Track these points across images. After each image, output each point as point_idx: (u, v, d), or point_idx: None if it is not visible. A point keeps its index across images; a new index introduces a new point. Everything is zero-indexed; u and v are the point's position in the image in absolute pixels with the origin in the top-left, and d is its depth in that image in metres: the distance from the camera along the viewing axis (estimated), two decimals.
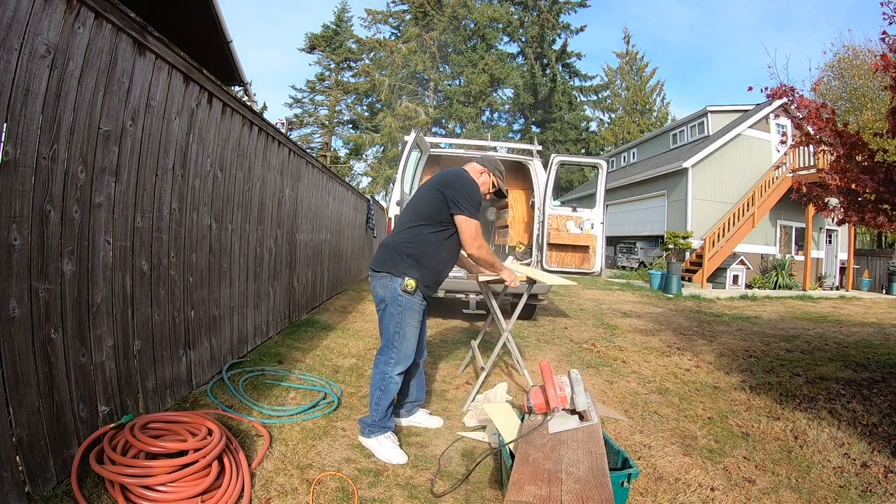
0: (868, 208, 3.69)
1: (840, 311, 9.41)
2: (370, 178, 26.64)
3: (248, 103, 3.71)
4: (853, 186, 3.75)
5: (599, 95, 30.31)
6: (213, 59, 6.36)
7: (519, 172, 6.51)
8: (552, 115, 27.47)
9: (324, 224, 6.36)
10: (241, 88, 7.87)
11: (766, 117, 14.87)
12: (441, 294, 5.22)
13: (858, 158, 3.63)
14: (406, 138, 5.82)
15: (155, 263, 2.45)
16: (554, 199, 6.02)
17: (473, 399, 3.09)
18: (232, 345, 3.49)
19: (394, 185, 5.41)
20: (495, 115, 28.16)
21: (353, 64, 29.52)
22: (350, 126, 30.16)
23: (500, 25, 26.55)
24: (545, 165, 5.86)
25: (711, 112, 16.20)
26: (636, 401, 3.35)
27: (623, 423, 2.94)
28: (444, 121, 25.59)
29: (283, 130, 4.63)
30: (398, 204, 4.99)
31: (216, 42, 6.29)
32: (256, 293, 3.95)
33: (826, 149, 3.97)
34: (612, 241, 17.88)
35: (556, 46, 27.72)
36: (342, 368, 3.71)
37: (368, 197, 10.83)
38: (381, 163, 25.53)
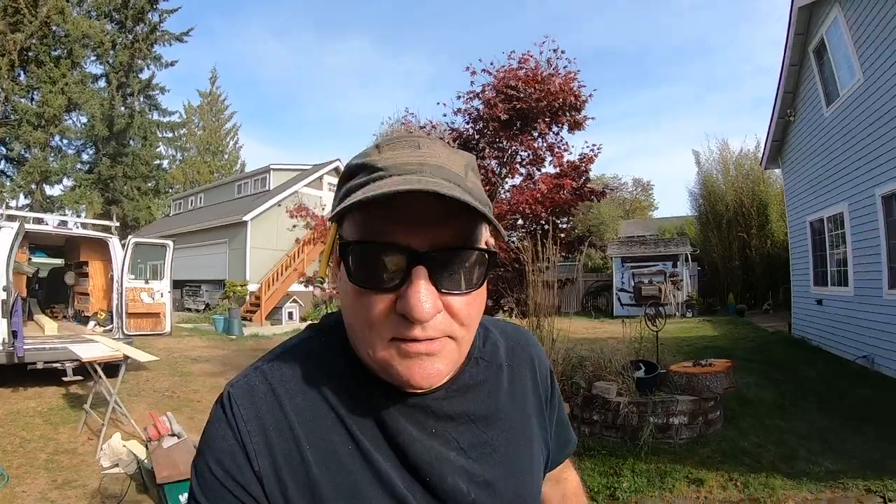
0: None
1: None
2: None
3: None
4: None
5: (176, 133, 29.71)
6: None
7: (99, 246, 7.13)
8: (125, 150, 25.65)
9: None
10: None
11: (321, 177, 18.58)
12: (40, 366, 5.32)
13: None
14: None
15: None
16: (130, 273, 6.99)
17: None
18: None
19: None
20: (65, 142, 24.43)
21: None
22: None
23: (92, 43, 22.76)
24: (123, 244, 6.84)
25: (274, 169, 18.68)
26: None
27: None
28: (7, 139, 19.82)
29: None
30: None
31: None
32: None
33: None
34: (179, 284, 18.12)
35: (144, 75, 26.10)
36: None
37: None
38: None
